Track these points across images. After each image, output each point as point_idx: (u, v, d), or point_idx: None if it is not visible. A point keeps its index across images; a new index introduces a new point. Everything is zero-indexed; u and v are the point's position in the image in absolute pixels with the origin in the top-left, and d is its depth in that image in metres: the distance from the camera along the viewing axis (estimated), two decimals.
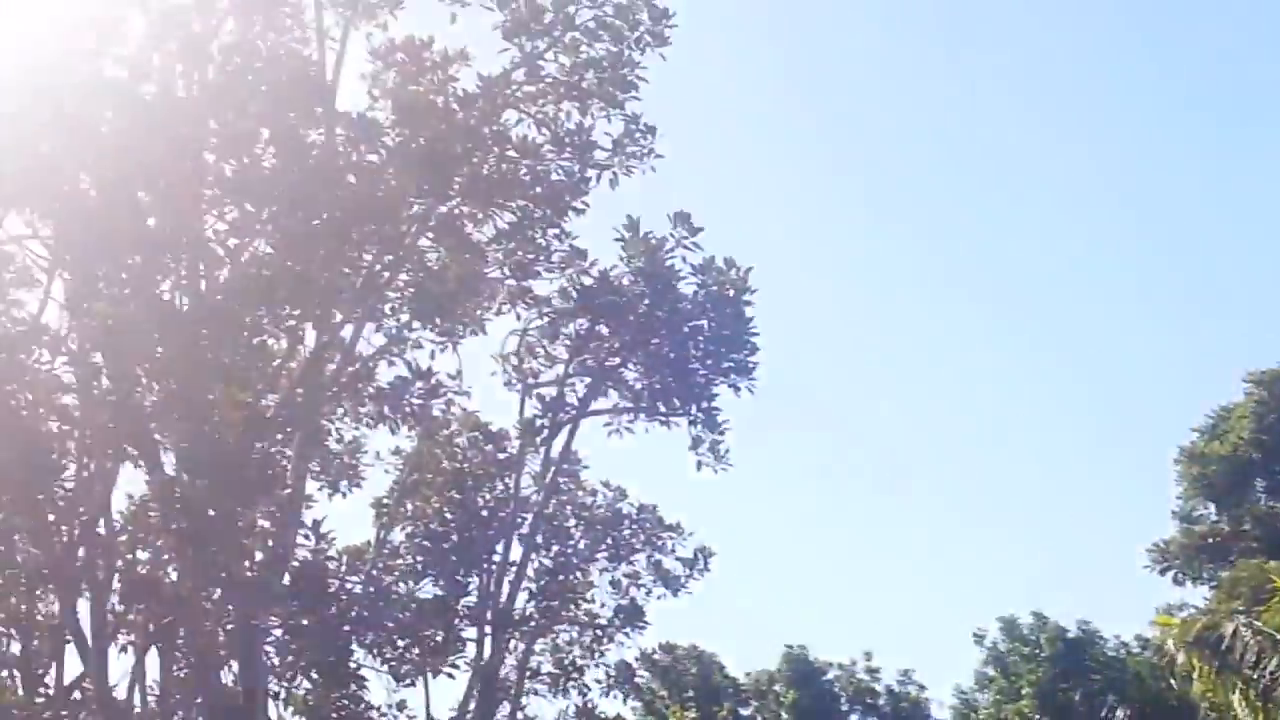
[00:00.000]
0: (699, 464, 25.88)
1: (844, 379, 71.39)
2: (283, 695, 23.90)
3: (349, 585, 24.87)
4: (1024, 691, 39.39)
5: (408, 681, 25.78)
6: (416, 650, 25.72)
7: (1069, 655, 39.94)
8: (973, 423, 72.24)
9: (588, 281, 25.78)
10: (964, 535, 71.74)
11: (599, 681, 28.22)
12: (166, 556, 23.01)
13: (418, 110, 23.41)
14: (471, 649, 25.80)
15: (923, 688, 46.21)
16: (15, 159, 21.39)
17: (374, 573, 25.23)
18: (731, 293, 25.81)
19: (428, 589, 25.94)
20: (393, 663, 25.57)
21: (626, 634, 28.20)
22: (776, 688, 42.33)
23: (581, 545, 27.61)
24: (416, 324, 24.43)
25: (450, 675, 25.75)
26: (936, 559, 67.75)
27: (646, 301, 25.91)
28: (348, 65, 23.63)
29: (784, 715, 41.68)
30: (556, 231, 25.45)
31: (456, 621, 26.10)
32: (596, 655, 28.27)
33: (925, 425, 71.92)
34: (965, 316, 71.40)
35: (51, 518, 21.68)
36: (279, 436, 23.60)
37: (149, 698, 22.80)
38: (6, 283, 22.60)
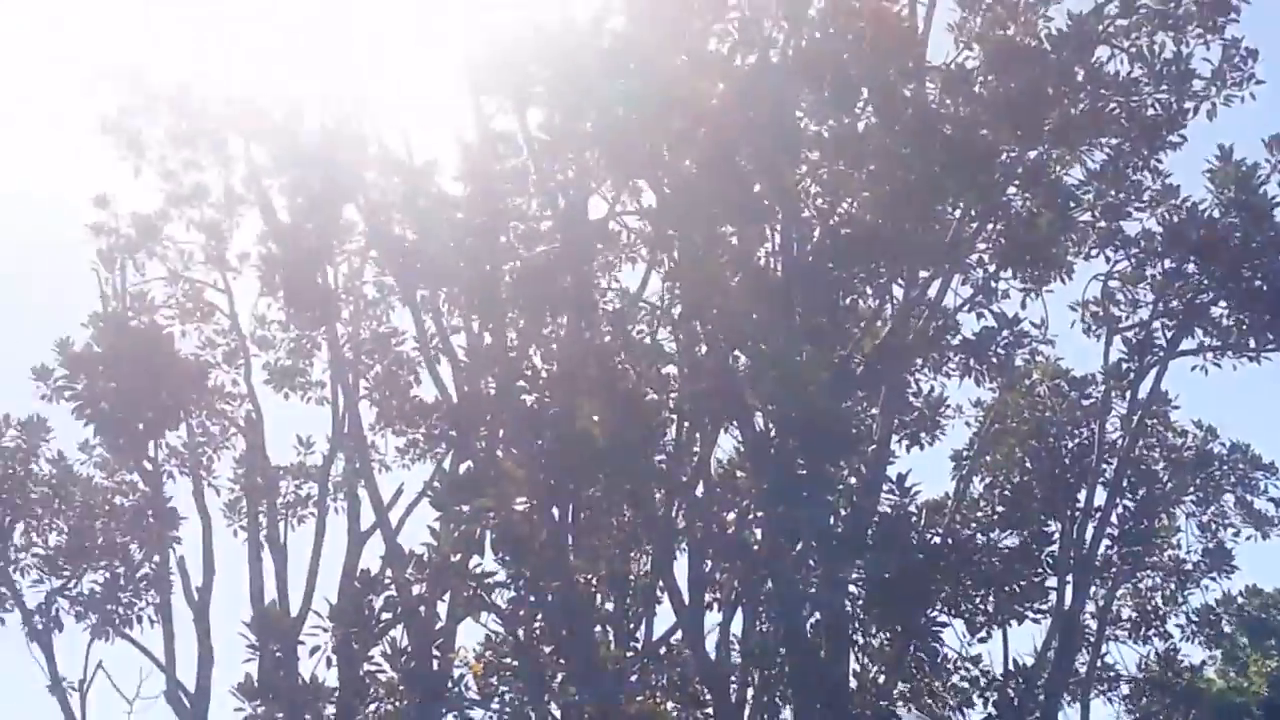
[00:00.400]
0: None
1: None
2: (860, 645, 23.94)
3: (929, 538, 24.68)
4: None
5: (981, 635, 25.21)
6: (994, 600, 25.24)
7: None
8: None
9: (1178, 218, 24.10)
10: None
11: (1180, 628, 27.38)
12: (753, 515, 23.11)
13: (1008, 55, 22.32)
14: (1052, 598, 25.33)
15: None
16: (631, 140, 21.13)
17: (953, 525, 24.64)
18: None
19: (1009, 539, 25.44)
20: (969, 614, 25.24)
21: (1213, 578, 27.03)
22: None
23: (1168, 488, 26.39)
24: (1004, 274, 23.63)
25: (1036, 621, 25.27)
26: None
27: (1238, 235, 24.02)
28: (937, 15, 22.72)
29: None
30: (1148, 169, 24.04)
31: (1038, 570, 25.54)
32: (1179, 601, 27.62)
33: None
34: None
35: (650, 482, 21.71)
36: (864, 393, 23.34)
37: (732, 652, 22.95)
38: (609, 261, 23.03)
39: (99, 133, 25.01)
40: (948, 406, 25.13)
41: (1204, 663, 28.31)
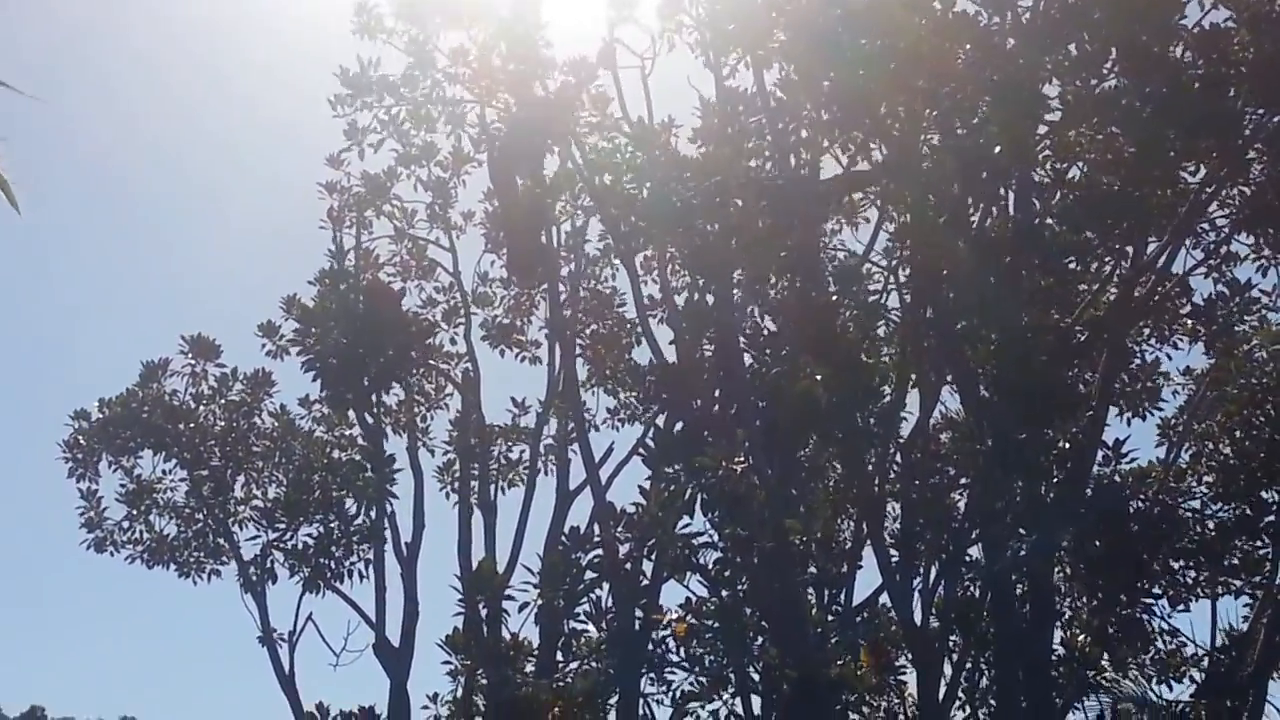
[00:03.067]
0: None
1: None
2: (1068, 616, 22.57)
3: (1141, 507, 23.08)
4: None
5: (1183, 606, 23.63)
6: (1205, 571, 23.64)
7: None
8: None
9: None
10: None
11: None
12: (964, 479, 21.65)
13: (1260, 16, 20.51)
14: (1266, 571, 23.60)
15: None
16: (869, 99, 19.76)
17: (1162, 496, 22.46)
18: None
19: (1222, 510, 23.76)
20: (1178, 585, 23.66)
21: None
22: None
23: None
24: (1239, 238, 21.87)
25: (1250, 595, 23.56)
26: None
27: None
28: None
29: None
30: None
31: (1255, 541, 23.84)
32: None
33: None
34: None
35: (865, 443, 20.21)
36: (1085, 360, 21.78)
37: (931, 615, 21.77)
38: (838, 222, 21.83)
39: (335, 95, 24.17)
40: (1164, 375, 23.31)
41: None
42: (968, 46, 20.07)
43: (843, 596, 21.41)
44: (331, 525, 24.61)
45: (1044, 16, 20.22)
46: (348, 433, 25.31)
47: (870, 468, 20.50)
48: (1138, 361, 23.11)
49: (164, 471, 25.22)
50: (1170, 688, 23.86)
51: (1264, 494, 23.17)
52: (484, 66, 23.14)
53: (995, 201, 20.93)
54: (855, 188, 21.64)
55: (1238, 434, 23.24)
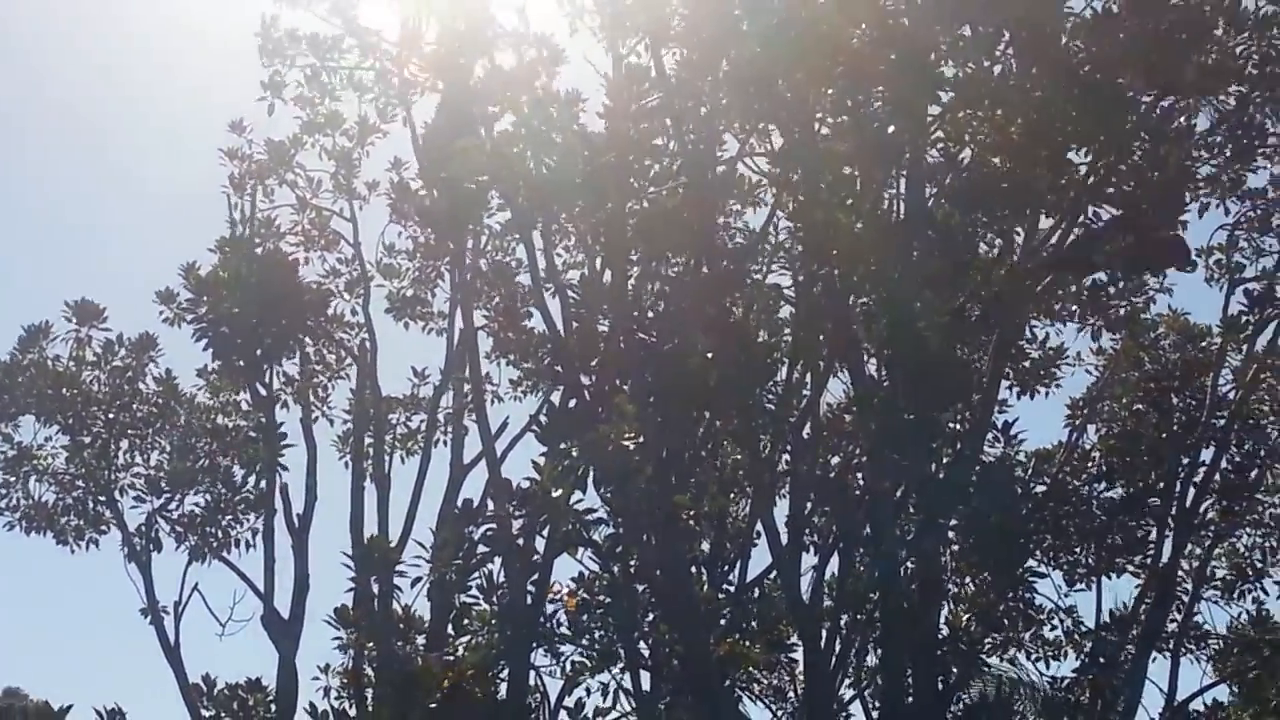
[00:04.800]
0: None
1: None
2: (953, 593, 22.83)
3: (1034, 487, 23.41)
4: None
5: (1079, 585, 23.57)
6: (1094, 552, 24.05)
7: None
8: None
9: None
10: None
11: (1278, 584, 26.06)
12: (857, 460, 21.53)
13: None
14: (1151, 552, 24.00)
15: None
16: (765, 80, 19.71)
17: (1060, 475, 23.07)
18: None
19: (1113, 492, 24.12)
20: (1067, 566, 23.84)
21: None
22: None
23: (1276, 443, 24.73)
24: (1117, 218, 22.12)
25: (1135, 575, 23.93)
26: None
27: None
28: None
29: None
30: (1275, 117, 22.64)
31: (1140, 523, 24.27)
32: (1278, 559, 26.08)
33: None
34: None
35: (757, 422, 20.28)
36: (977, 341, 21.80)
37: (821, 594, 21.37)
38: (734, 203, 21.71)
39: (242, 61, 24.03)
40: (1066, 356, 23.55)
41: None
42: (865, 26, 20.22)
43: (735, 574, 21.49)
44: (219, 494, 24.34)
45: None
46: (234, 399, 24.98)
47: (761, 447, 20.62)
48: (1032, 342, 23.27)
49: (45, 438, 24.80)
50: (1049, 666, 24.36)
51: (1150, 476, 23.74)
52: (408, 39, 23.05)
53: (888, 183, 21.13)
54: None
55: (1139, 416, 23.72)
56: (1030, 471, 22.84)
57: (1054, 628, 23.75)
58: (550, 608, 19.58)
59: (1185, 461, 23.34)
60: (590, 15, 21.02)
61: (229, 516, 24.13)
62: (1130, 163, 21.05)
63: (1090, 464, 23.79)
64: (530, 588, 19.37)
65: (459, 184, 22.22)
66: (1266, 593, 25.41)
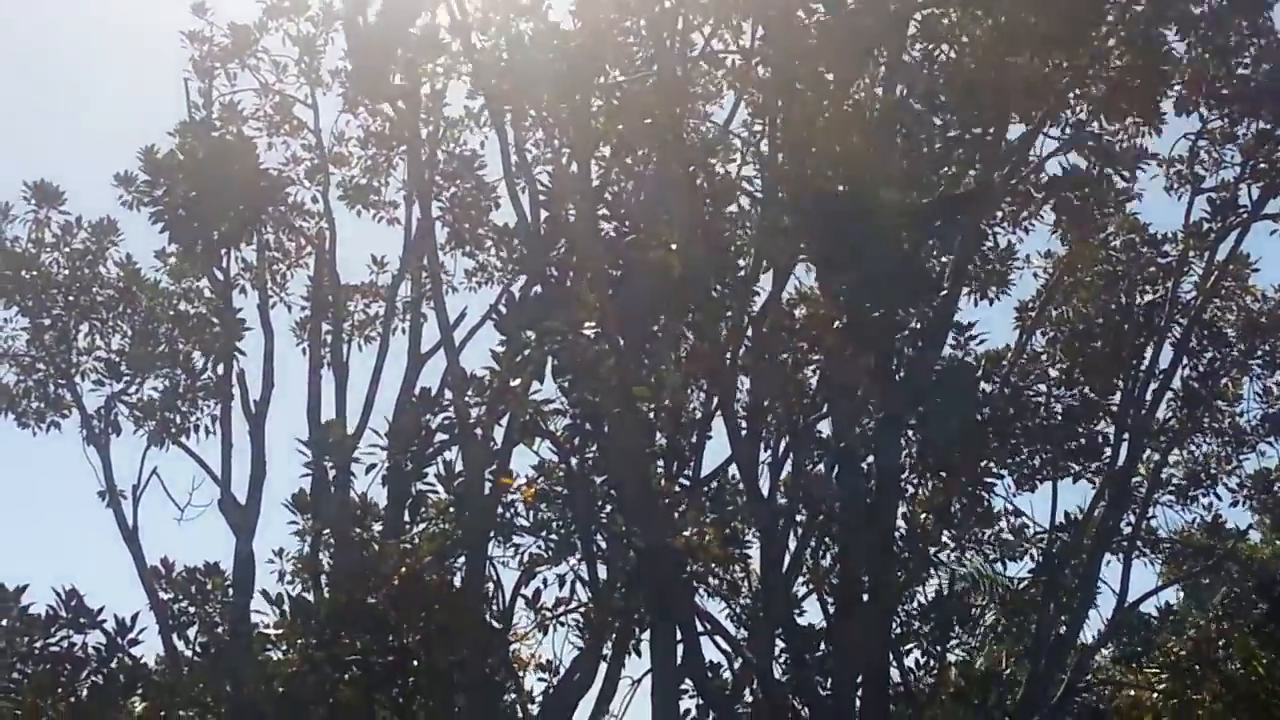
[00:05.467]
0: None
1: None
2: (909, 493, 22.83)
3: (988, 389, 23.28)
4: None
5: (1028, 487, 23.80)
6: (1049, 454, 24.07)
7: None
8: None
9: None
10: None
11: (1231, 491, 25.56)
12: (816, 356, 21.37)
13: None
14: (1107, 456, 24.05)
15: None
16: None
17: (1012, 378, 23.01)
18: None
19: (1069, 396, 24.11)
20: (1020, 468, 23.67)
21: (1269, 443, 25.10)
22: None
23: (1236, 352, 24.37)
24: (1094, 124, 21.42)
25: (1089, 480, 24.01)
26: None
27: None
28: None
29: None
30: (1251, 22, 22.29)
31: (1095, 426, 24.28)
32: (1232, 466, 25.88)
33: None
34: None
35: (718, 315, 20.24)
36: (940, 240, 21.88)
37: (779, 489, 21.59)
38: (697, 95, 21.39)
39: None
40: (1017, 258, 23.45)
41: (1250, 527, 27.02)
42: None
43: (691, 468, 21.42)
44: (178, 379, 24.09)
45: None
46: (196, 285, 24.78)
47: (722, 340, 20.49)
48: (989, 244, 23.14)
49: (4, 320, 24.47)
50: (1005, 566, 24.48)
51: (1110, 380, 23.71)
52: None
53: (862, 80, 20.85)
54: None
55: (1096, 320, 23.64)
56: (980, 373, 22.69)
57: (1008, 529, 23.84)
58: (508, 498, 19.48)
59: (1144, 366, 23.37)
60: None
61: (187, 402, 23.83)
62: (1106, 65, 20.89)
63: (1038, 367, 23.77)
64: (488, 478, 19.23)
65: (416, 66, 21.91)
66: (1219, 498, 25.75)
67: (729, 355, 20.43)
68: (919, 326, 21.30)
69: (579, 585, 20.10)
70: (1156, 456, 24.63)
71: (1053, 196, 21.91)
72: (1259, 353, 24.66)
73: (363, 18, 22.14)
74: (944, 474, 22.17)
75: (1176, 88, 22.02)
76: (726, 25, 20.99)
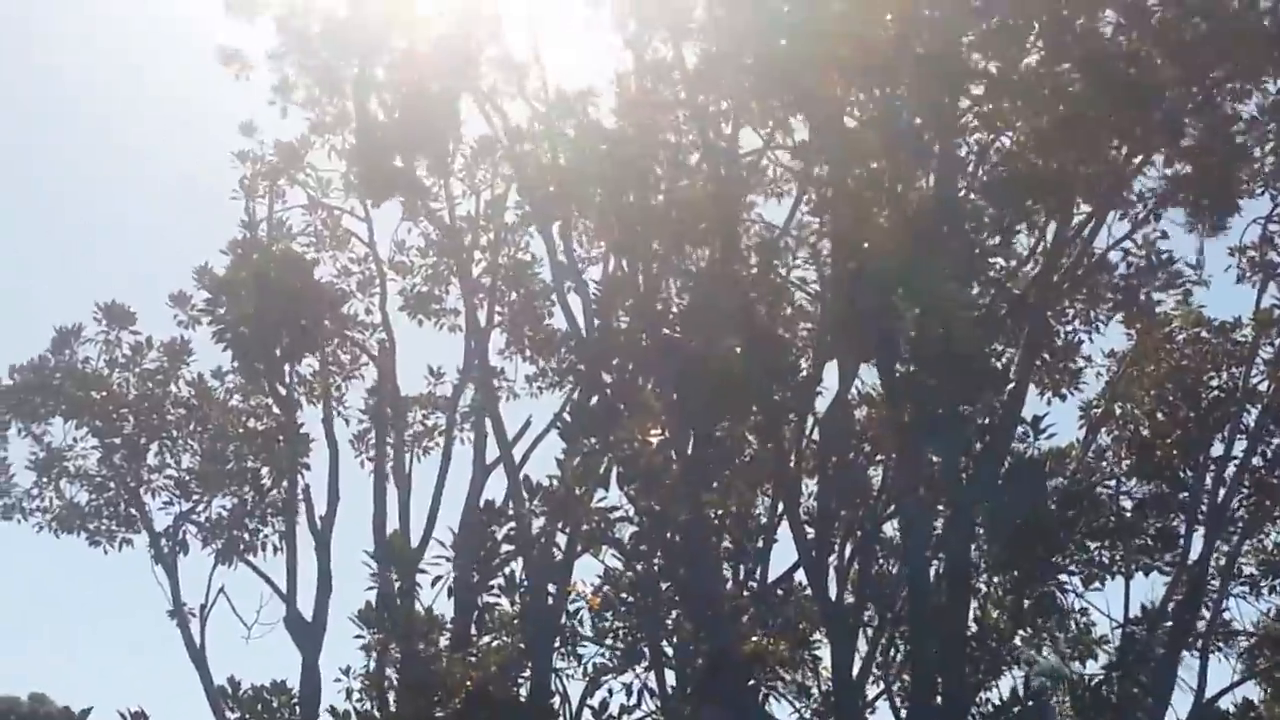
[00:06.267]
0: None
1: None
2: (982, 591, 22.32)
3: (1058, 484, 22.80)
4: None
5: (1097, 584, 22.61)
6: (1120, 548, 23.48)
7: None
8: None
9: None
10: None
11: None
12: (882, 456, 21.23)
13: None
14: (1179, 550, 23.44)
15: None
16: (790, 71, 19.29)
17: (1078, 474, 22.48)
18: None
19: (1139, 488, 23.59)
20: (1092, 563, 23.42)
21: None
22: None
23: None
24: (1166, 212, 21.01)
25: (1163, 572, 23.41)
26: None
27: None
28: None
29: None
30: None
31: (1169, 519, 23.71)
32: None
33: None
34: None
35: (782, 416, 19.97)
36: (1006, 335, 21.49)
37: (847, 590, 21.25)
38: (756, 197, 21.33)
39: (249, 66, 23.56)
40: (1085, 356, 22.96)
41: None
42: (890, 18, 19.76)
43: (758, 572, 21.04)
44: (246, 497, 24.05)
45: None
46: (263, 402, 24.73)
47: (786, 443, 20.17)
48: (1059, 341, 22.79)
49: (75, 439, 24.55)
50: (1083, 664, 23.79)
51: (1179, 471, 23.18)
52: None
53: (917, 175, 20.63)
54: None
55: (1155, 412, 23.18)
56: (1048, 468, 22.24)
57: (1081, 626, 23.23)
58: (572, 606, 19.18)
59: (1216, 455, 22.85)
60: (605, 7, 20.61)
61: (255, 519, 23.77)
62: (1171, 150, 20.54)
63: (1104, 462, 23.30)
64: (552, 587, 18.94)
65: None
66: None
67: (793, 459, 20.07)
68: (985, 423, 20.90)
69: (646, 694, 19.68)
70: (1227, 548, 23.92)
71: (1122, 294, 21.59)
72: None
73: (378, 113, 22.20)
74: (1015, 571, 21.61)
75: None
76: (777, 123, 20.74)
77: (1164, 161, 20.69)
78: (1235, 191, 21.01)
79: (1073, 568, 22.76)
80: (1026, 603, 22.05)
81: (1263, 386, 22.94)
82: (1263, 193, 22.05)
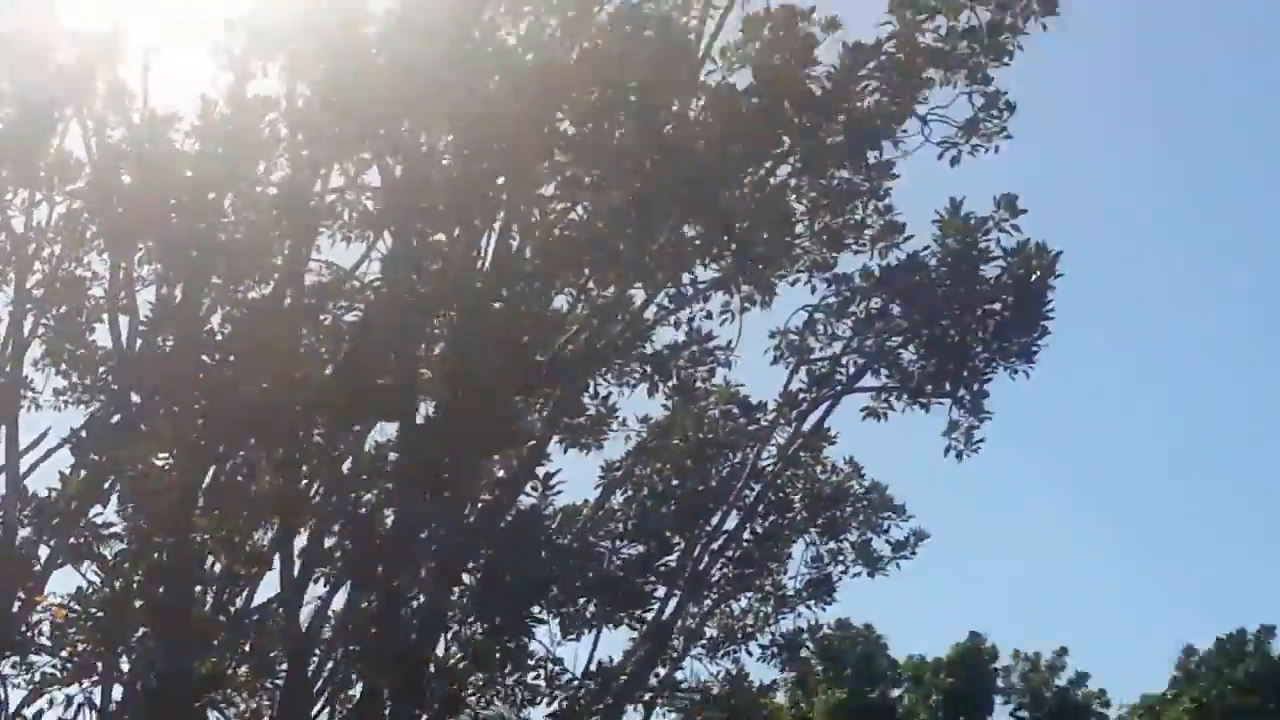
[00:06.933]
0: (948, 449, 26.07)
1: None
2: (457, 633, 24.98)
3: (556, 540, 25.75)
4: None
5: (573, 635, 26.05)
6: (595, 603, 26.69)
7: None
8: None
9: (893, 261, 25.12)
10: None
11: (763, 648, 28.59)
12: (390, 501, 23.34)
13: (772, 81, 23.01)
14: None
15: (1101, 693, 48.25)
16: (380, 116, 21.33)
17: (584, 531, 25.44)
18: (1036, 276, 24.98)
19: (633, 549, 26.65)
20: (568, 614, 26.01)
21: (809, 607, 28.24)
22: (940, 675, 43.17)
23: (799, 519, 27.74)
24: (707, 288, 24.35)
25: (632, 629, 26.28)
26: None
27: (948, 283, 25.08)
28: (723, 35, 23.35)
29: (935, 699, 42.52)
30: (875, 204, 25.20)
31: (649, 579, 26.99)
32: (770, 624, 29.33)
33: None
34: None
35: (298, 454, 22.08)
36: (544, 392, 24.04)
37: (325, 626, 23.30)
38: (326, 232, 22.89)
39: None
40: (616, 417, 26.08)
41: (774, 683, 30.68)
42: (497, 78, 21.84)
43: (241, 599, 23.04)
44: None
45: (579, 56, 22.22)
46: None
47: (304, 477, 22.21)
48: (594, 397, 25.70)
49: None
50: (526, 709, 27.01)
51: (674, 538, 26.57)
52: None
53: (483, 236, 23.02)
54: None
55: (673, 482, 26.46)
56: (556, 526, 25.13)
57: (537, 675, 26.37)
58: (35, 617, 20.73)
59: (710, 527, 26.34)
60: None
61: None
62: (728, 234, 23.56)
63: (614, 523, 26.43)
64: (20, 595, 20.44)
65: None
66: (751, 654, 28.97)
67: (303, 493, 22.14)
68: (502, 476, 23.53)
69: (86, 708, 21.44)
70: (698, 611, 27.60)
71: (656, 365, 24.55)
72: (820, 520, 27.97)
73: None
74: (490, 617, 24.48)
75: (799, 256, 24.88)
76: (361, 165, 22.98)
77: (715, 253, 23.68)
78: (767, 282, 24.81)
79: (545, 617, 25.94)
80: (498, 650, 25.06)
81: (772, 466, 26.77)
82: (807, 282, 25.64)
